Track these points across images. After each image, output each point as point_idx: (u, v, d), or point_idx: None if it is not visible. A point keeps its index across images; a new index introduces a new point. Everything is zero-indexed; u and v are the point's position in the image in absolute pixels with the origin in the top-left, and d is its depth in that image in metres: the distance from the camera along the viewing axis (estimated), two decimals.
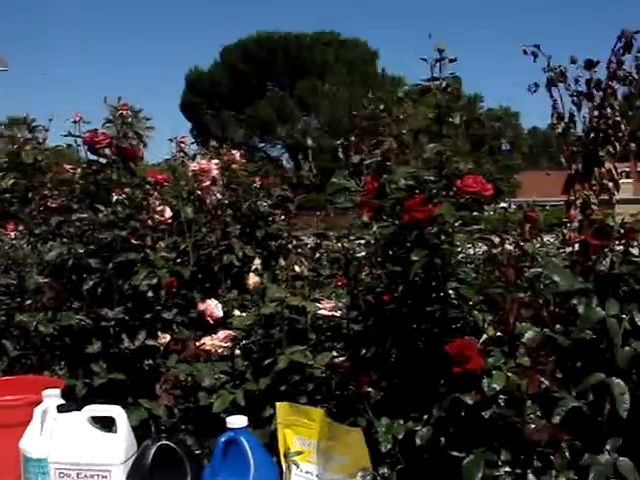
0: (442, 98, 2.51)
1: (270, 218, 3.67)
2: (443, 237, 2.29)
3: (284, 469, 2.42)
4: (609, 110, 2.80)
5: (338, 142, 3.00)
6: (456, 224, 2.33)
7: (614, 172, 2.78)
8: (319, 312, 2.75)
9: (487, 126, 45.63)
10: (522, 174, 38.62)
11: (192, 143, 4.01)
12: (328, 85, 38.96)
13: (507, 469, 2.16)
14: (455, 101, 2.57)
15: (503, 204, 3.09)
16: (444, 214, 2.19)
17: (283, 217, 3.71)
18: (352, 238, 2.88)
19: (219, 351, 2.84)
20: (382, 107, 2.94)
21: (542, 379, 2.23)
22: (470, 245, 2.56)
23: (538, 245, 2.99)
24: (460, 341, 2.09)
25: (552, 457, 2.21)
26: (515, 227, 2.68)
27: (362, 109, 3.08)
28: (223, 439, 2.28)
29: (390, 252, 2.51)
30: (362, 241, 2.70)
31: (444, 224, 2.26)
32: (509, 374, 2.12)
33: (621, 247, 2.51)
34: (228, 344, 2.84)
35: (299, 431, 2.43)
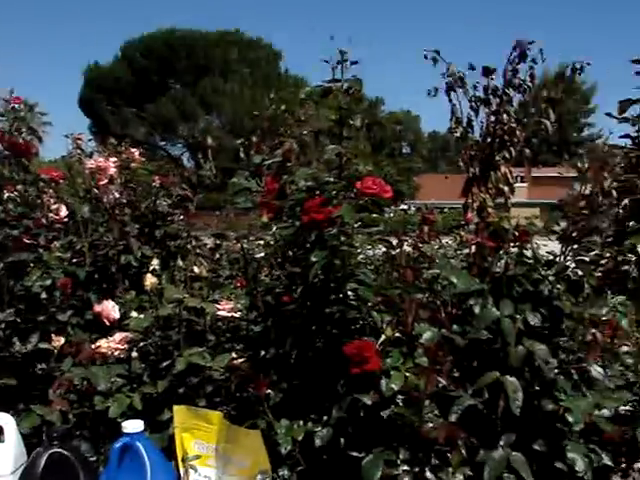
0: (343, 100, 2.52)
1: (169, 218, 3.60)
2: (343, 238, 2.29)
3: (182, 474, 2.38)
4: (505, 116, 2.88)
5: (239, 142, 2.97)
6: (356, 225, 2.34)
7: (509, 176, 2.86)
8: (218, 313, 2.71)
9: (388, 129, 46.35)
10: (422, 177, 39.40)
11: (90, 140, 3.89)
12: (231, 84, 38.72)
13: (405, 468, 2.19)
14: (357, 103, 2.59)
15: (403, 206, 3.13)
16: (343, 215, 2.19)
17: (182, 217, 3.64)
18: (252, 239, 2.86)
19: (115, 354, 2.76)
20: (284, 108, 2.94)
21: (439, 379, 2.26)
22: (370, 247, 2.58)
23: (436, 247, 3.04)
24: (358, 342, 2.10)
25: (449, 454, 2.24)
26: (414, 229, 2.72)
27: (264, 109, 3.06)
28: (118, 444, 2.23)
29: (290, 253, 2.50)
30: (261, 242, 2.68)
31: (344, 225, 2.26)
32: (407, 374, 2.15)
33: (516, 249, 2.58)
34: (125, 346, 2.77)
35: (197, 435, 2.39)
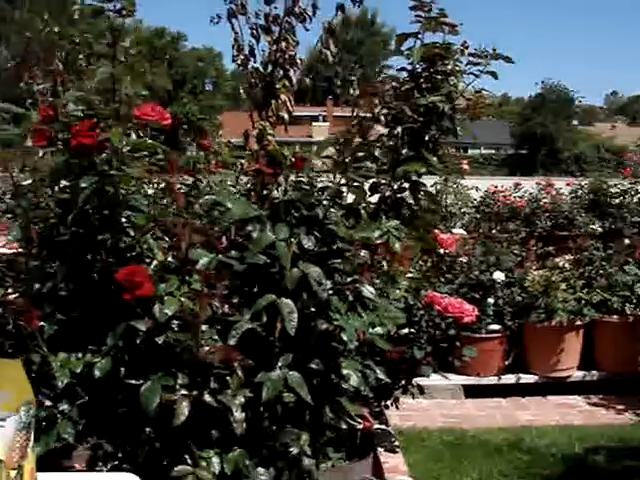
0: (116, 21, 2.42)
1: None
2: (116, 164, 2.22)
3: None
4: (284, 44, 2.89)
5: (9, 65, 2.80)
6: (131, 153, 2.27)
7: (289, 104, 2.88)
8: None
9: (190, 65, 45.46)
10: (225, 114, 39.04)
11: None
12: (19, 12, 36.21)
13: (184, 392, 2.20)
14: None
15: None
16: (112, 140, 2.12)
17: None
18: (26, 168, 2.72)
19: None
20: (57, 29, 2.79)
21: (218, 303, 2.28)
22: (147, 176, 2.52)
23: (219, 177, 3.03)
24: (129, 268, 2.06)
25: (228, 378, 2.28)
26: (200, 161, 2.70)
27: (38, 32, 2.89)
28: None
29: (63, 180, 2.40)
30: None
31: (116, 151, 2.19)
32: (183, 299, 2.14)
33: (294, 176, 2.62)
34: None
35: None
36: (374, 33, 68.76)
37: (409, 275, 4.59)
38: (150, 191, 2.51)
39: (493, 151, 64.79)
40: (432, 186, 7.04)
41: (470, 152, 64.27)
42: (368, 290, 2.47)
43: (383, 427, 4.51)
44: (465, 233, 6.32)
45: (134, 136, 2.35)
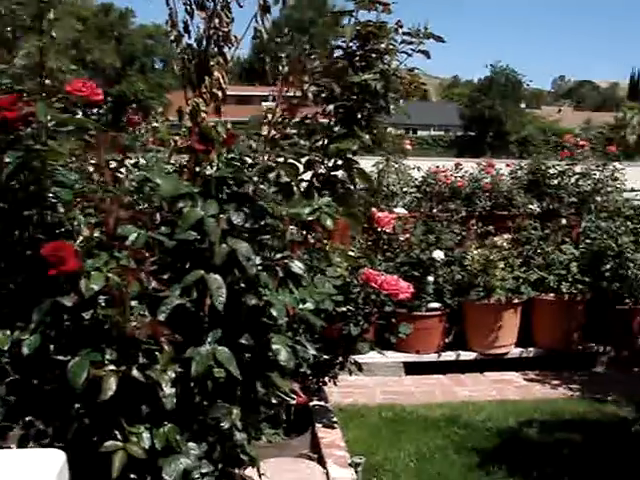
0: None
1: None
2: (43, 139, 2.20)
3: None
4: (217, 20, 2.88)
5: None
6: (59, 127, 2.25)
7: (222, 81, 2.88)
8: None
9: (138, 43, 44.81)
10: (174, 93, 38.60)
11: None
12: None
13: (112, 367, 2.20)
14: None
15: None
16: (38, 114, 2.10)
17: None
18: None
19: None
20: None
21: (147, 279, 2.28)
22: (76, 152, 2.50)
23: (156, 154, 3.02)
24: (54, 243, 2.05)
25: (158, 353, 2.29)
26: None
27: None
28: None
29: None
30: None
31: (42, 125, 2.17)
32: (110, 275, 2.14)
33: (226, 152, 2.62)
34: None
35: None
36: (324, 13, 68.60)
37: (350, 253, 4.64)
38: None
39: (442, 133, 65.40)
40: (374, 165, 7.11)
41: (420, 133, 64.86)
42: (297, 266, 2.49)
43: (322, 404, 4.57)
44: (406, 212, 6.38)
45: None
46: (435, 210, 6.81)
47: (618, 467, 4.25)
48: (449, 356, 6.23)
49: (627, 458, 4.38)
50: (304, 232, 2.85)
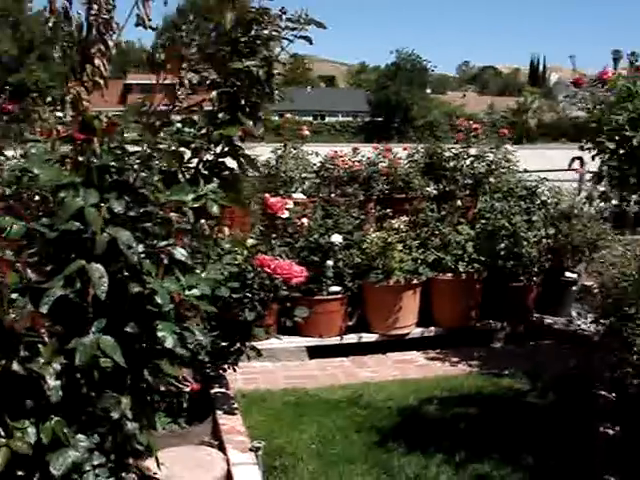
0: None
1: None
2: None
3: None
4: (96, 7, 2.84)
5: None
6: None
7: (103, 69, 2.84)
8: None
9: (37, 30, 43.42)
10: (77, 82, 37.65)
11: None
12: None
13: None
14: None
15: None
16: None
17: None
18: None
19: None
20: None
21: (27, 271, 2.25)
22: None
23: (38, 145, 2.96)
24: None
25: (41, 346, 2.26)
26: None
27: None
28: None
29: None
30: None
31: None
32: None
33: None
34: None
35: None
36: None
37: (250, 240, 4.66)
38: None
39: (351, 118, 65.88)
40: (272, 152, 7.13)
41: (328, 119, 65.24)
42: (180, 253, 2.49)
43: (223, 390, 4.58)
44: (305, 197, 6.43)
45: None
46: (333, 195, 6.87)
47: (510, 435, 4.43)
48: (352, 339, 6.33)
49: (519, 427, 4.56)
50: (196, 220, 2.85)
